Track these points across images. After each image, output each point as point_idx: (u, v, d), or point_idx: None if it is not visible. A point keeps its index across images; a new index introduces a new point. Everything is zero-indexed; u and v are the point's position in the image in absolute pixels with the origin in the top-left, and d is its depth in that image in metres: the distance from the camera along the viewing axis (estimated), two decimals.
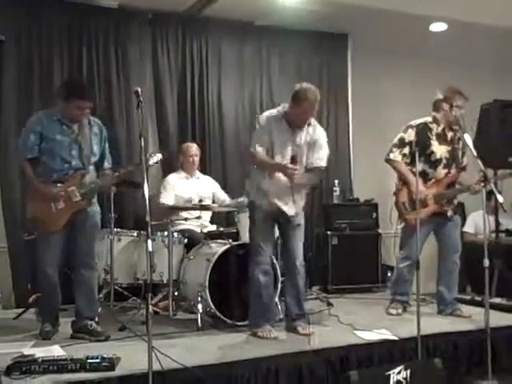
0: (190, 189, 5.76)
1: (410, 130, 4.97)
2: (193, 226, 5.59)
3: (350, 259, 6.36)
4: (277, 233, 4.61)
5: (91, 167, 4.39)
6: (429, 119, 5.00)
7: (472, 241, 6.48)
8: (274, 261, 4.64)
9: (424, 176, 4.90)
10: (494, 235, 5.78)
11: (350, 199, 6.91)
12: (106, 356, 3.50)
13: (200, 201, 5.31)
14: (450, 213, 4.99)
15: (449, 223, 5.03)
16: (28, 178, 4.30)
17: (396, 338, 4.22)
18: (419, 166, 4.80)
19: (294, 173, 4.17)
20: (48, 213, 4.21)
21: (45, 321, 4.33)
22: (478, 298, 5.26)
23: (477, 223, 6.57)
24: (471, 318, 4.79)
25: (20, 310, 5.02)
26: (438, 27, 6.73)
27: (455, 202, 5.08)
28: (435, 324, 4.58)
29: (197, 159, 5.86)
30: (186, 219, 5.43)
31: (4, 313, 5.20)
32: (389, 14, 6.16)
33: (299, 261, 4.43)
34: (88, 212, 4.36)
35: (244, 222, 5.16)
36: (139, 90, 3.54)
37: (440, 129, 4.97)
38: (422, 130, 4.94)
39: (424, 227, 4.68)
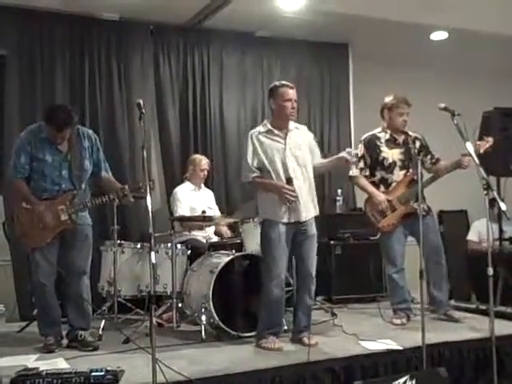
0: (201, 201, 5.78)
1: (360, 145, 5.23)
2: (198, 236, 5.60)
3: (354, 269, 6.34)
4: None
5: (83, 186, 4.38)
6: (378, 130, 5.21)
7: (476, 249, 6.48)
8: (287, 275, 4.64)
9: (384, 182, 5.11)
10: (497, 243, 5.76)
11: (353, 208, 6.90)
12: (109, 369, 3.49)
13: (203, 212, 5.30)
14: (420, 210, 4.99)
15: (424, 228, 5.00)
16: (21, 195, 4.30)
17: (401, 348, 4.20)
18: (378, 175, 5.12)
19: (290, 194, 4.20)
20: (36, 228, 4.24)
21: (47, 334, 4.34)
22: (482, 307, 5.24)
23: (480, 231, 6.55)
24: (464, 323, 4.92)
25: (24, 323, 5.03)
26: (438, 36, 6.76)
27: (423, 202, 5.05)
28: (440, 333, 4.55)
29: (206, 173, 5.89)
30: (202, 227, 5.43)
31: (8, 326, 5.20)
32: (389, 24, 6.19)
33: (313, 273, 4.41)
34: (78, 225, 4.37)
35: (248, 232, 5.18)
36: (141, 102, 3.57)
37: (388, 135, 5.14)
38: (370, 142, 5.16)
39: (398, 231, 5.04)
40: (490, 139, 4.81)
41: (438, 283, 5.07)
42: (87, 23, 5.97)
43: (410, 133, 5.16)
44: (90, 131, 4.55)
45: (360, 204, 6.92)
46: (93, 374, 3.43)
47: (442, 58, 7.00)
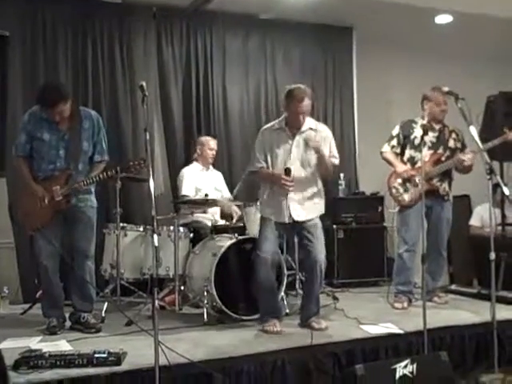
0: (208, 182, 5.78)
1: (396, 126, 5.34)
2: (203, 218, 5.61)
3: (356, 253, 6.35)
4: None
5: (81, 166, 4.37)
6: (417, 118, 5.28)
7: (478, 234, 6.48)
8: (281, 257, 4.67)
9: (411, 160, 5.21)
10: (500, 228, 5.76)
11: (356, 192, 6.90)
12: (112, 351, 3.51)
13: (206, 195, 5.29)
14: (441, 190, 5.17)
15: (439, 211, 5.17)
16: (21, 176, 4.34)
17: (402, 332, 4.22)
18: (407, 154, 5.22)
19: (287, 184, 4.24)
20: (34, 209, 4.26)
21: (50, 315, 4.37)
22: (484, 292, 5.26)
23: (483, 216, 6.55)
24: (447, 304, 5.13)
25: (27, 306, 5.05)
26: (443, 19, 6.71)
27: (446, 183, 5.20)
28: (441, 317, 4.58)
29: (214, 153, 5.89)
30: (205, 211, 5.47)
31: (11, 308, 5.22)
32: (394, 7, 6.14)
33: (320, 260, 4.40)
34: (80, 208, 4.39)
35: (251, 215, 5.18)
36: (144, 84, 3.55)
37: (426, 121, 5.19)
38: (406, 123, 5.29)
39: (417, 210, 4.99)
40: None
41: (434, 272, 5.16)
42: (90, 5, 5.92)
43: (450, 126, 5.25)
44: (93, 112, 4.55)
45: (362, 188, 6.95)
46: (95, 355, 3.45)
47: (446, 41, 6.95)
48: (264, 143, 4.43)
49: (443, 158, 5.15)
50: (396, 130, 5.30)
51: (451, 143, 5.21)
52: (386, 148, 5.30)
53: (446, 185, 5.20)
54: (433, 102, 5.15)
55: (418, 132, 5.16)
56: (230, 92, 6.54)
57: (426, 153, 5.09)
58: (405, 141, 5.24)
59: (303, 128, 4.41)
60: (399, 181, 5.18)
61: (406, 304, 5.10)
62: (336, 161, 4.50)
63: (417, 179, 5.07)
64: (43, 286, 4.45)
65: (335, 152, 4.51)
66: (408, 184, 5.15)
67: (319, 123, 4.62)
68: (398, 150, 5.27)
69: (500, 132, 5.06)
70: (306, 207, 4.40)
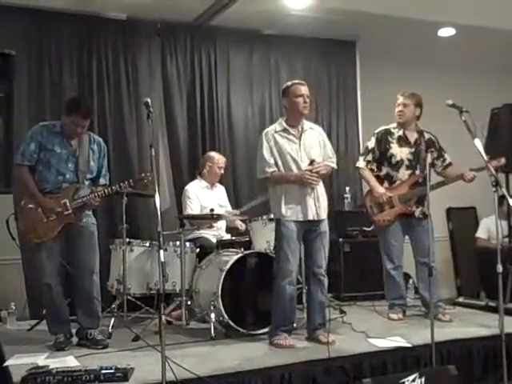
0: (213, 199, 5.77)
1: (372, 138, 5.28)
2: (208, 234, 5.61)
3: (363, 266, 6.32)
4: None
5: (87, 182, 4.42)
6: (393, 125, 5.25)
7: (485, 246, 6.47)
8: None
9: (389, 178, 5.18)
10: (507, 240, 5.74)
11: (362, 206, 6.88)
12: (119, 366, 3.51)
13: (212, 210, 5.28)
14: (417, 213, 5.12)
15: (418, 227, 5.11)
16: (26, 186, 4.33)
17: (410, 345, 4.20)
18: (384, 170, 5.18)
19: (312, 179, 4.23)
20: (40, 223, 4.26)
21: (57, 332, 4.37)
22: (491, 304, 5.24)
23: (489, 228, 6.54)
24: (454, 322, 4.96)
25: (34, 322, 5.05)
26: (446, 32, 6.73)
27: (425, 204, 5.10)
28: (449, 330, 4.56)
29: (223, 171, 5.89)
30: (211, 226, 5.48)
31: (18, 324, 5.21)
32: (397, 20, 6.17)
33: (323, 269, 4.41)
34: (83, 223, 4.40)
35: (256, 230, 5.18)
36: (149, 100, 3.58)
37: (401, 132, 5.18)
38: (382, 136, 5.22)
39: (395, 228, 5.10)
40: (503, 160, 4.85)
41: (426, 285, 5.00)
42: (94, 23, 5.97)
43: (425, 133, 5.22)
44: (101, 139, 4.63)
45: None
46: (103, 371, 3.45)
47: (449, 54, 6.98)
48: (272, 147, 4.37)
49: (421, 180, 5.08)
50: (372, 143, 5.23)
51: (428, 158, 5.00)
52: (362, 163, 5.24)
53: (422, 207, 5.09)
54: (395, 105, 5.17)
55: (394, 149, 5.12)
56: (234, 107, 6.57)
57: (404, 172, 5.11)
58: (381, 157, 5.17)
59: (305, 127, 4.45)
60: (375, 201, 5.16)
61: (401, 315, 5.16)
62: (333, 165, 4.56)
63: (394, 202, 5.08)
64: (47, 303, 4.44)
65: (334, 154, 4.59)
66: (384, 204, 5.11)
67: (314, 124, 4.66)
68: (374, 166, 5.21)
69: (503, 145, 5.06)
70: (320, 206, 4.38)
